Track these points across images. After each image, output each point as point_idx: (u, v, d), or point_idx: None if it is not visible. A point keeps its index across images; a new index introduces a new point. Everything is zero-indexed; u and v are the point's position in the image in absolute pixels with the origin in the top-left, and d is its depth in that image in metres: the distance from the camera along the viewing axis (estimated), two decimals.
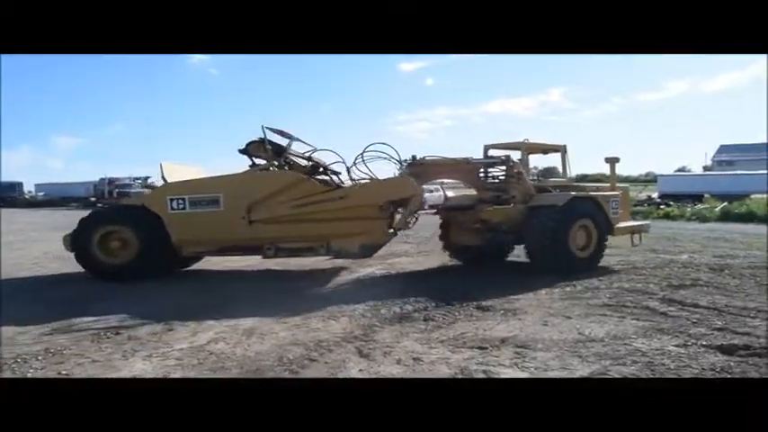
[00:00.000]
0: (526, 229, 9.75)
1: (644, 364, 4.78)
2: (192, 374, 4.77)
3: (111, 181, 44.84)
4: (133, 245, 9.33)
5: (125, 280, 8.96)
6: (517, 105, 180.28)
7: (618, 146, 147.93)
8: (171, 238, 9.35)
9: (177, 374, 4.77)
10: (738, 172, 44.65)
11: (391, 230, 9.76)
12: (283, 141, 9.87)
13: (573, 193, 10.09)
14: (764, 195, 31.53)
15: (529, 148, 10.83)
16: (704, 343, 5.33)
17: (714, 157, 74.86)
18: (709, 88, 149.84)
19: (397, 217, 9.79)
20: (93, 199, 45.56)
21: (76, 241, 9.45)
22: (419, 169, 9.81)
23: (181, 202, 9.36)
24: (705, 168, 69.95)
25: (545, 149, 11.35)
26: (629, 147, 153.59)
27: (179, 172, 10.25)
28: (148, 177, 56.95)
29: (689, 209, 23.72)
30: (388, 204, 9.57)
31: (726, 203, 24.57)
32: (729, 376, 4.44)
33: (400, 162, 9.75)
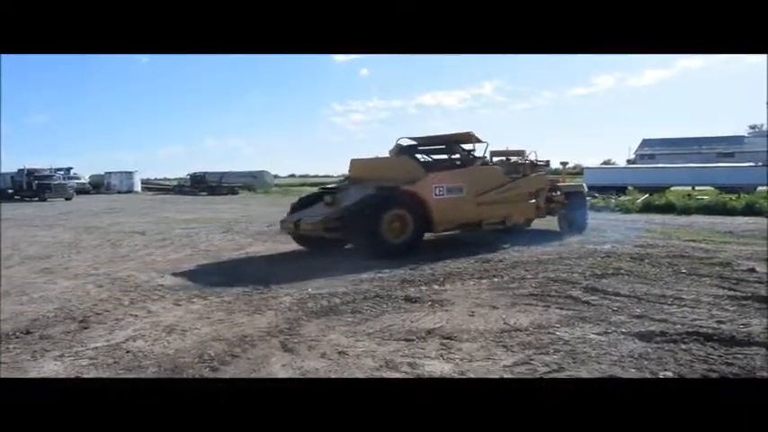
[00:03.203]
0: (571, 205, 14.06)
1: (566, 353, 4.86)
2: (106, 374, 4.56)
3: (30, 172, 42.72)
4: (409, 225, 10.89)
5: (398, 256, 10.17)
6: (451, 98, 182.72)
7: (547, 139, 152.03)
8: (433, 218, 11.25)
9: (90, 374, 4.55)
10: (659, 165, 46.66)
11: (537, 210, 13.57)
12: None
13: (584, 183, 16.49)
14: (683, 188, 33.06)
15: (526, 155, 14.45)
16: (624, 330, 5.46)
17: (637, 150, 77.94)
18: (635, 84, 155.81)
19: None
20: (10, 191, 43.40)
21: (366, 223, 10.38)
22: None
23: (441, 189, 11.55)
24: (629, 161, 72.77)
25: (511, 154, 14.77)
26: (558, 140, 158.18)
27: (365, 164, 12.88)
28: (71, 168, 55.00)
29: (613, 200, 24.49)
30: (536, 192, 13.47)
31: (647, 195, 25.51)
32: (729, 376, 4.44)
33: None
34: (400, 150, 13.20)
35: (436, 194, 11.42)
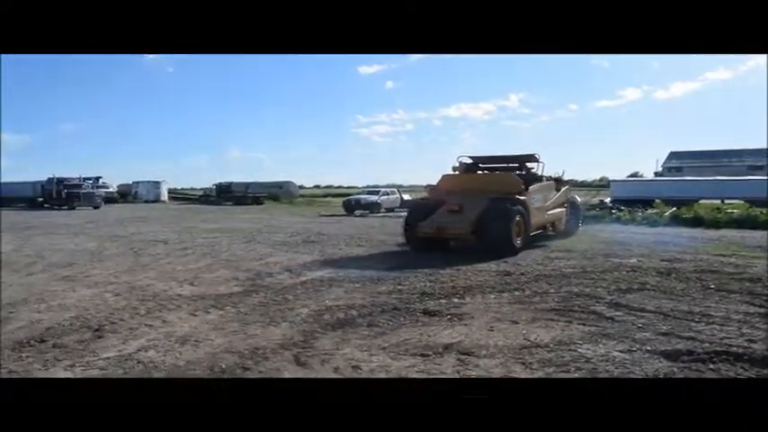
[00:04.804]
0: (571, 212, 16.45)
1: (588, 371, 4.68)
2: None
3: (59, 181, 43.29)
4: (522, 229, 12.92)
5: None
6: (477, 110, 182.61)
7: (573, 152, 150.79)
8: (530, 222, 13.38)
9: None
10: (687, 178, 45.91)
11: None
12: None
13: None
14: (711, 201, 32.41)
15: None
16: (649, 348, 5.26)
17: (664, 163, 76.86)
18: (662, 97, 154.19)
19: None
20: (40, 199, 44.06)
21: (502, 227, 12.30)
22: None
23: (534, 199, 13.97)
24: (656, 174, 71.71)
25: None
26: (585, 153, 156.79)
27: (460, 178, 15.12)
28: (100, 177, 55.71)
29: (639, 213, 24.05)
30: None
31: (675, 208, 25.04)
32: (730, 376, 4.38)
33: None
34: (468, 167, 15.70)
35: (532, 204, 13.78)
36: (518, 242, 12.67)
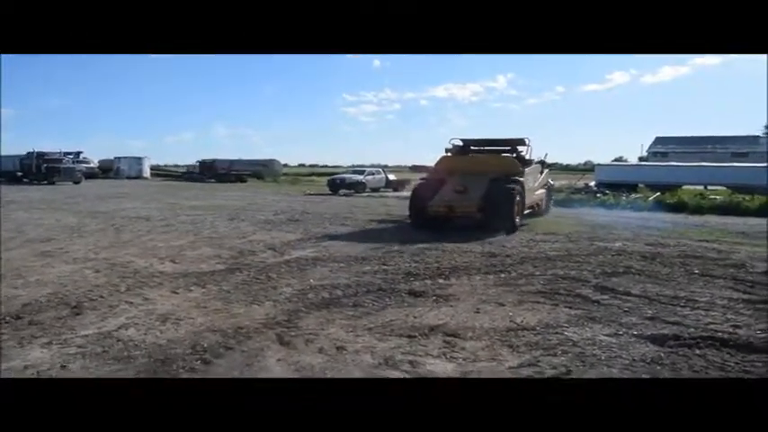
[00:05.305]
0: (547, 194, 17.50)
1: (575, 355, 4.64)
2: (94, 363, 4.39)
3: (39, 155, 42.51)
4: (521, 208, 13.76)
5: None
6: (464, 91, 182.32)
7: (559, 134, 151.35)
8: (525, 202, 14.18)
9: (77, 363, 4.38)
10: (672, 163, 46.14)
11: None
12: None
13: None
14: (695, 187, 32.66)
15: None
16: (635, 332, 5.24)
17: (649, 148, 77.19)
18: (650, 81, 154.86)
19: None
20: (19, 174, 43.28)
21: (506, 205, 13.05)
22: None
23: (528, 181, 14.63)
24: (641, 159, 72.06)
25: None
26: (570, 136, 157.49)
27: (460, 160, 15.63)
28: (81, 152, 54.95)
29: (624, 198, 24.13)
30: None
31: (659, 194, 25.15)
32: (730, 376, 4.30)
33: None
34: (461, 149, 16.25)
35: (529, 184, 14.64)
36: (517, 220, 13.41)
